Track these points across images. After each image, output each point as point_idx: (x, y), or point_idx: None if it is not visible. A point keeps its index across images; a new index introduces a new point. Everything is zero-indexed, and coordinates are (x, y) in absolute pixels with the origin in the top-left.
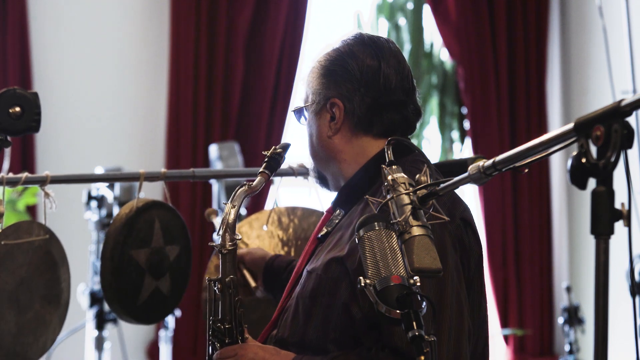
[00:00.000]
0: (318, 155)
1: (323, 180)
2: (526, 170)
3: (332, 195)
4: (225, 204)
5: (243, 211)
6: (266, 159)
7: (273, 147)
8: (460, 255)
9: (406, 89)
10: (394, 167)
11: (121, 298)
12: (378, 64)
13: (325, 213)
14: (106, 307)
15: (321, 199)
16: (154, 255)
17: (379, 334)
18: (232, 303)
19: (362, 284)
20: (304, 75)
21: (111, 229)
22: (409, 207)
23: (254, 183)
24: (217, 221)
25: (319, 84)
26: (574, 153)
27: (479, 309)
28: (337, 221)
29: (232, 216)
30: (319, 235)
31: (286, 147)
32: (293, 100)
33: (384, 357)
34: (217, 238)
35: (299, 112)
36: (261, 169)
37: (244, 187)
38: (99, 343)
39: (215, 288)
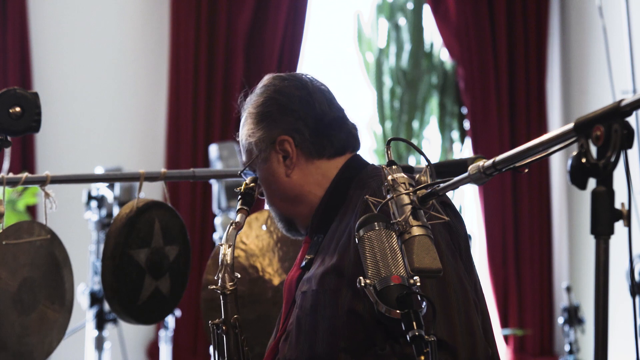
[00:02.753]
0: (283, 200)
1: (291, 225)
2: (526, 170)
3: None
4: (221, 244)
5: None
6: (240, 197)
7: (244, 182)
8: (450, 234)
9: (337, 107)
10: (394, 167)
11: (122, 298)
12: (306, 92)
13: (303, 244)
14: (106, 307)
15: None
16: (154, 255)
17: (386, 328)
18: (238, 342)
19: (362, 284)
20: (239, 137)
21: (112, 228)
22: (409, 207)
23: (238, 219)
24: None
25: (260, 130)
26: (574, 153)
27: (475, 287)
28: (317, 246)
29: (229, 257)
30: (302, 265)
31: (256, 179)
32: None
33: (400, 349)
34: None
35: (248, 170)
36: (239, 206)
37: (232, 226)
38: (99, 343)
39: (218, 331)
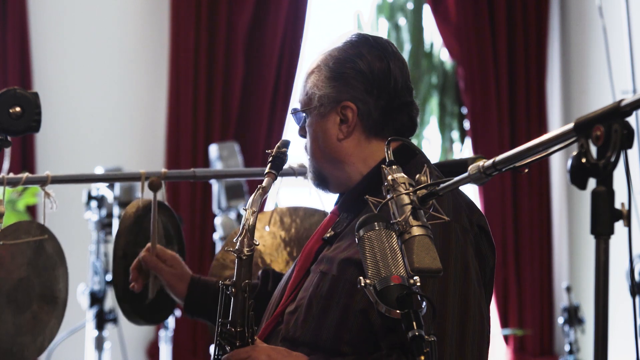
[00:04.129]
0: (324, 158)
1: (322, 181)
2: (526, 170)
3: (334, 195)
4: (245, 209)
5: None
6: (270, 159)
7: (277, 145)
8: (479, 263)
9: (410, 89)
10: (394, 167)
11: (132, 297)
12: (387, 65)
13: (329, 214)
14: (106, 307)
15: (322, 199)
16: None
17: (398, 337)
18: (245, 307)
19: (362, 284)
20: (305, 76)
21: (121, 227)
22: (409, 207)
23: (264, 184)
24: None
25: (330, 87)
26: (574, 153)
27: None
28: (345, 224)
29: (252, 221)
30: (325, 237)
31: (288, 144)
32: (293, 100)
33: None
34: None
35: (299, 113)
36: (267, 170)
37: (259, 191)
38: (99, 343)
39: (227, 292)
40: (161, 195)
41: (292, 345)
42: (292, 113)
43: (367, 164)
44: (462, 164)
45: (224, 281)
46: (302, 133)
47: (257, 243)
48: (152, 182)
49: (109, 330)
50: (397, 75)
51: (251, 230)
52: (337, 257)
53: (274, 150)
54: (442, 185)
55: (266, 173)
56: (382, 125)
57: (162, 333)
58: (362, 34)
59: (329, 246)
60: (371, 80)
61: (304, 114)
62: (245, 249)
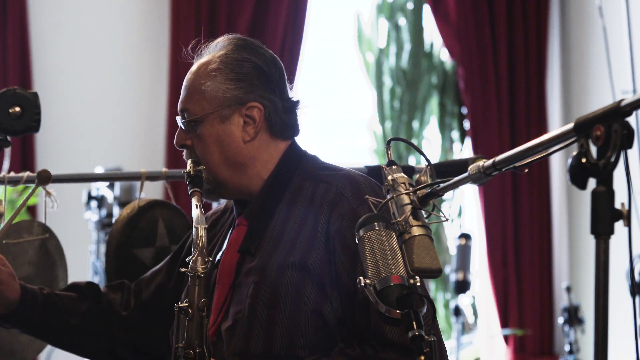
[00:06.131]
0: (226, 163)
1: (217, 188)
2: (526, 170)
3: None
4: (196, 227)
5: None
6: (189, 179)
7: (190, 165)
8: None
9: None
10: (394, 167)
11: None
12: (280, 67)
13: (237, 226)
14: None
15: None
16: (160, 255)
17: (350, 329)
18: (202, 326)
19: (362, 284)
20: (197, 82)
21: (114, 228)
22: (409, 207)
23: (198, 202)
24: None
25: (236, 89)
26: (574, 153)
27: None
28: (262, 232)
29: (204, 239)
30: (242, 249)
31: (198, 162)
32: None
33: (373, 352)
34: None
35: (196, 120)
36: (192, 190)
37: (198, 209)
38: None
39: (183, 314)
40: (162, 194)
41: (245, 357)
42: (184, 121)
43: (267, 168)
44: (462, 164)
45: (178, 305)
46: (187, 142)
47: (210, 259)
48: (40, 173)
49: None
50: (286, 77)
51: (205, 247)
52: (267, 264)
53: (191, 170)
54: (442, 185)
55: (192, 192)
56: (286, 125)
57: None
58: (244, 38)
59: (250, 257)
60: (272, 80)
61: (197, 121)
62: (200, 267)
